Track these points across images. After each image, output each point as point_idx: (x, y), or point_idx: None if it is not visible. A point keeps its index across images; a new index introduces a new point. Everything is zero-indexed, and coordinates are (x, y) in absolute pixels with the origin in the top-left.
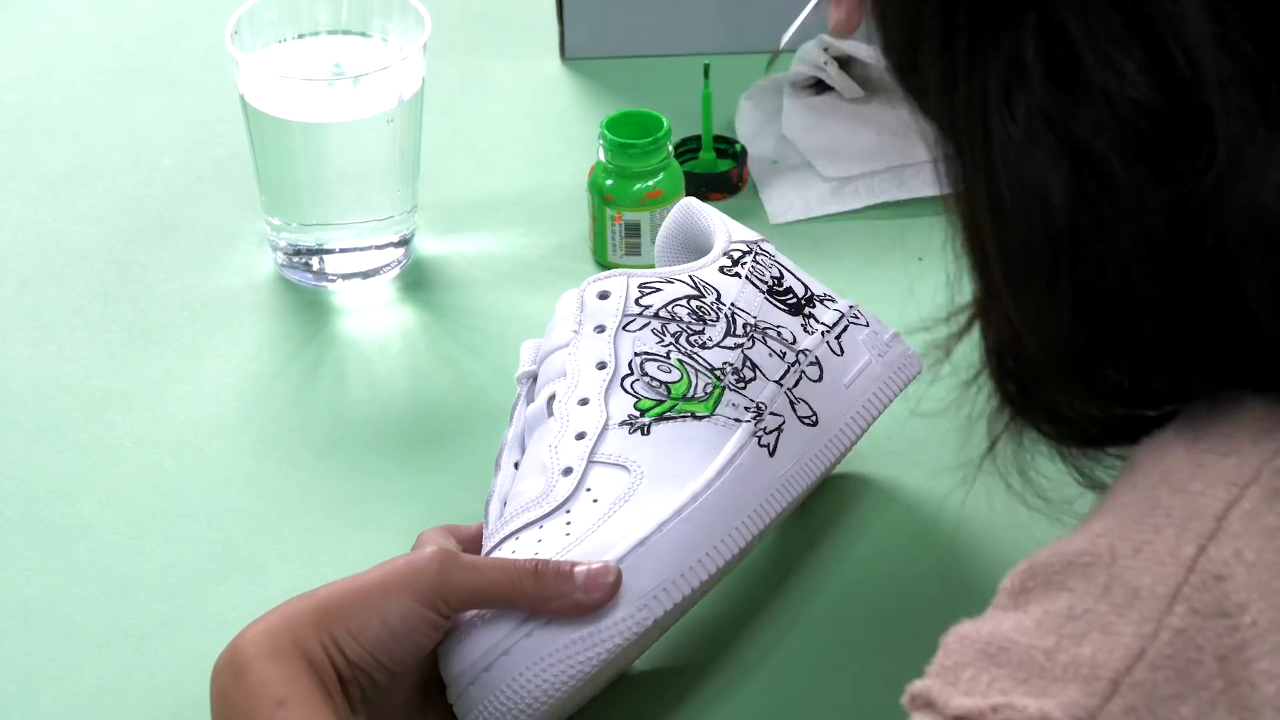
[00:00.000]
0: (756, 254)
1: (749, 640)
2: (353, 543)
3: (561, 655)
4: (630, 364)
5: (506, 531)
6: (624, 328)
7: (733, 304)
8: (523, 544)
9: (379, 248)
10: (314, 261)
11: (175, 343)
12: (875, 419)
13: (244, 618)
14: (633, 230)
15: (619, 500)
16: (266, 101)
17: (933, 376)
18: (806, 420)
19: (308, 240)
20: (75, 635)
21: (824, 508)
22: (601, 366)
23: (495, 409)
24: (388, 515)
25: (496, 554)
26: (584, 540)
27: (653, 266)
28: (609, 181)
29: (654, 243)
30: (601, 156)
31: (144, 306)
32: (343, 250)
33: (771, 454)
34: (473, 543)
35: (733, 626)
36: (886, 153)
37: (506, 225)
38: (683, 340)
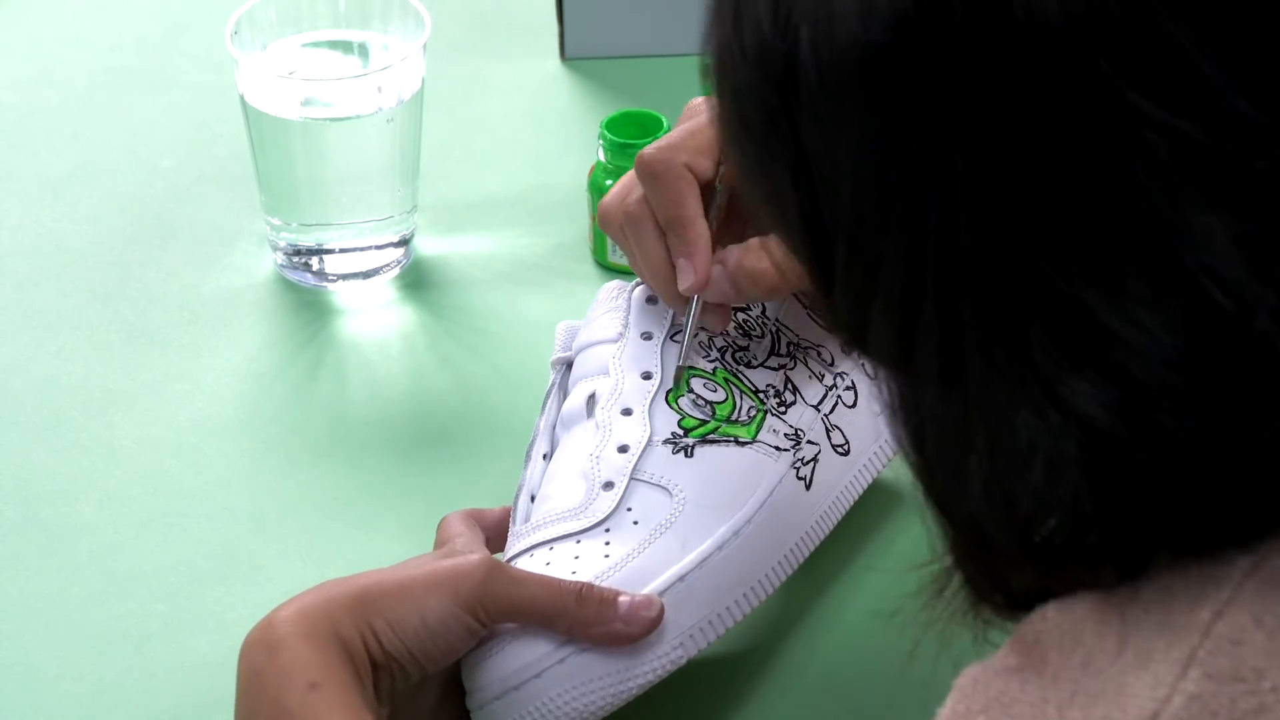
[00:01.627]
0: None
1: (745, 638)
2: (353, 543)
3: (594, 686)
4: (676, 378)
5: (540, 538)
6: (671, 338)
7: (777, 319)
8: (558, 556)
9: (379, 248)
10: (314, 261)
11: (175, 343)
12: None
13: (244, 618)
14: None
15: (660, 526)
16: (266, 101)
17: None
18: (839, 449)
19: (308, 240)
20: (75, 635)
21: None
22: (647, 377)
23: (495, 409)
24: (388, 515)
25: (527, 556)
26: (623, 567)
27: None
28: (609, 181)
29: None
30: (601, 156)
31: (144, 306)
32: (343, 250)
33: (808, 487)
34: (496, 528)
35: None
36: None
37: (506, 225)
38: (728, 356)
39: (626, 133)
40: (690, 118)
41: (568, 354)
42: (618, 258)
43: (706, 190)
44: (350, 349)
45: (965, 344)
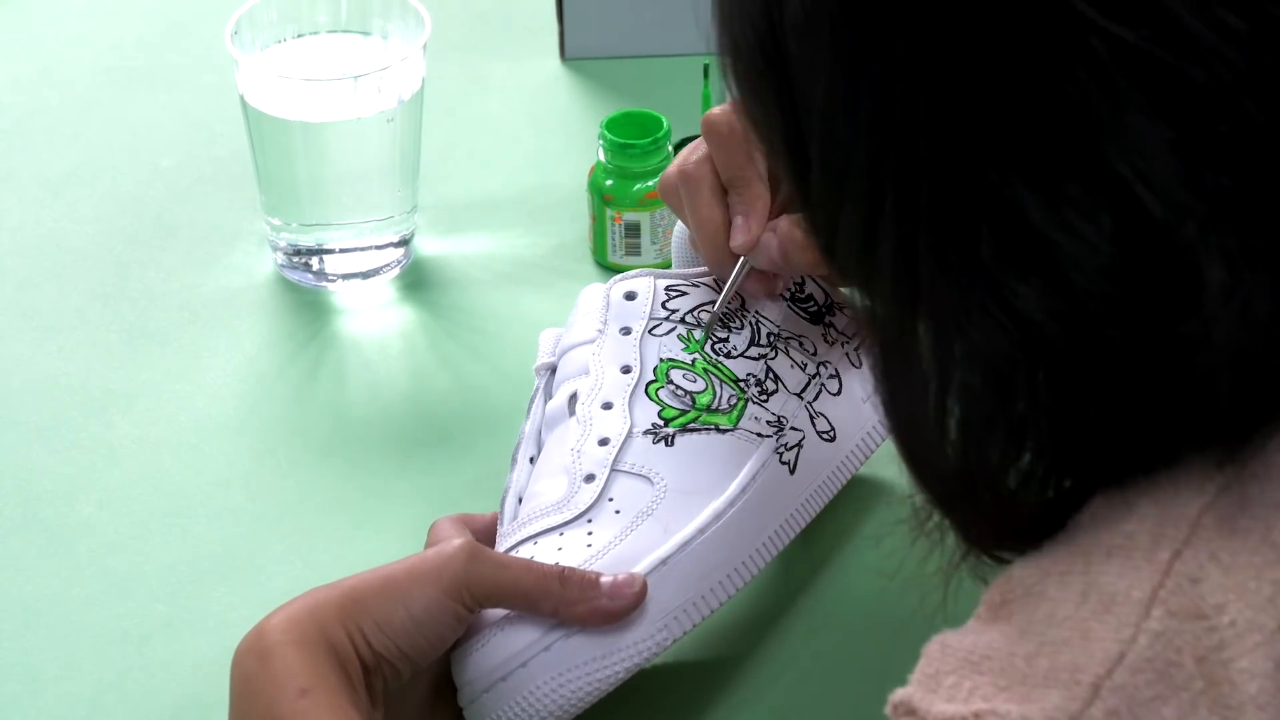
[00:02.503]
0: None
1: (745, 640)
2: (353, 543)
3: (580, 672)
4: (655, 370)
5: (525, 534)
6: (650, 331)
7: (757, 311)
8: (542, 550)
9: (379, 248)
10: (314, 261)
11: (175, 343)
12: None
13: (244, 618)
14: (632, 230)
15: (642, 514)
16: (266, 101)
17: None
18: (825, 436)
19: (308, 240)
20: (75, 635)
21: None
22: (626, 370)
23: (495, 409)
24: (388, 515)
25: (515, 555)
26: (606, 554)
27: (653, 266)
28: (609, 182)
29: (655, 243)
30: (601, 157)
31: (144, 306)
32: (343, 250)
33: (792, 471)
34: (486, 533)
35: (730, 626)
36: None
37: (506, 225)
38: (708, 348)
39: (626, 133)
40: None
41: (551, 359)
42: (618, 257)
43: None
44: (350, 349)
45: (920, 247)
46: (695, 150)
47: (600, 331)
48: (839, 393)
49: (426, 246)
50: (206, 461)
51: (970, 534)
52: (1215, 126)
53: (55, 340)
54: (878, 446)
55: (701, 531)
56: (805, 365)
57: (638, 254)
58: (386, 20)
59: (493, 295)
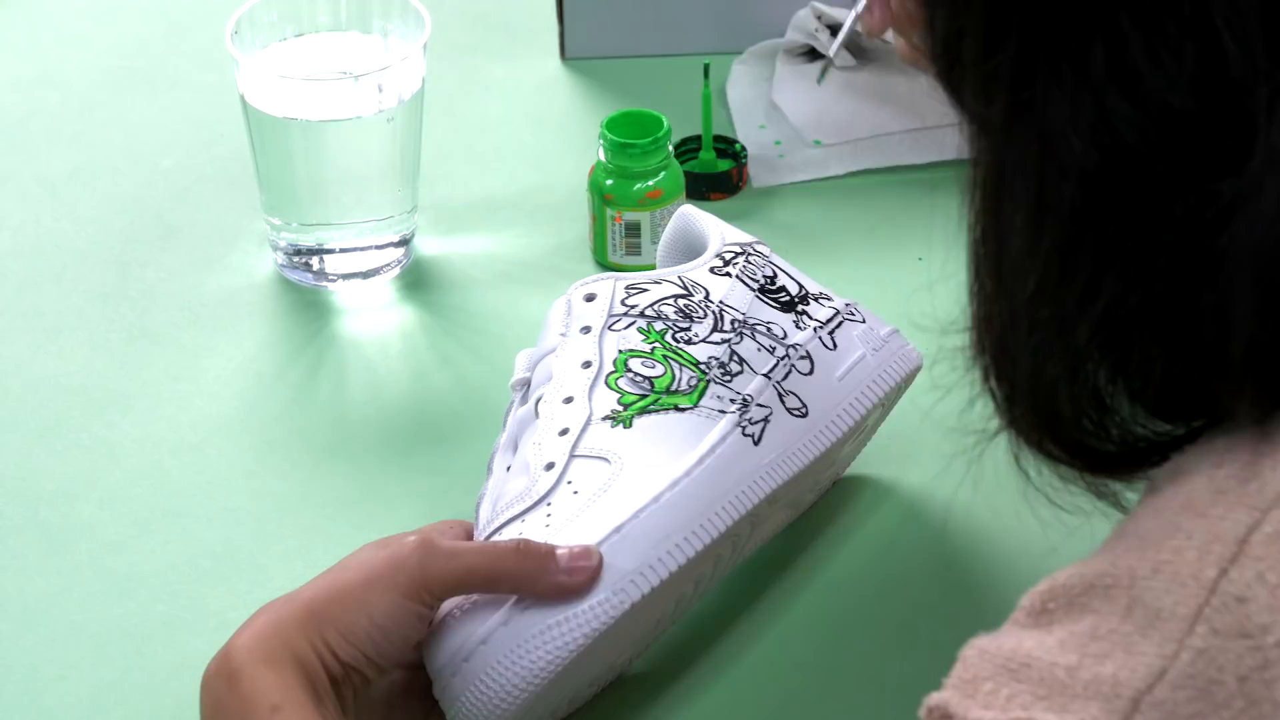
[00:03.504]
0: (749, 255)
1: (745, 640)
2: (353, 543)
3: (539, 641)
4: (615, 361)
5: (490, 529)
6: (609, 327)
7: (721, 301)
8: (505, 537)
9: (379, 248)
10: (314, 261)
11: (175, 343)
12: (870, 411)
13: (243, 618)
14: (633, 230)
15: (599, 491)
16: (266, 101)
17: (933, 381)
18: (796, 412)
19: (308, 240)
20: (75, 635)
21: (823, 507)
22: (586, 365)
23: (495, 409)
24: (388, 515)
25: None
26: (563, 529)
27: (652, 268)
28: (609, 181)
29: (654, 243)
30: (601, 156)
31: (144, 306)
32: (343, 250)
33: (756, 443)
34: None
35: (729, 626)
36: (873, 120)
37: (506, 225)
38: (668, 336)
39: (626, 133)
40: None
41: (525, 374)
42: (618, 257)
43: None
44: (350, 349)
45: (1039, 56)
46: None
47: (563, 335)
48: (811, 372)
49: (426, 246)
50: (206, 461)
51: (1022, 422)
52: None
53: (55, 340)
54: (857, 423)
55: (657, 499)
56: (774, 349)
57: (638, 254)
58: (386, 20)
59: (493, 295)
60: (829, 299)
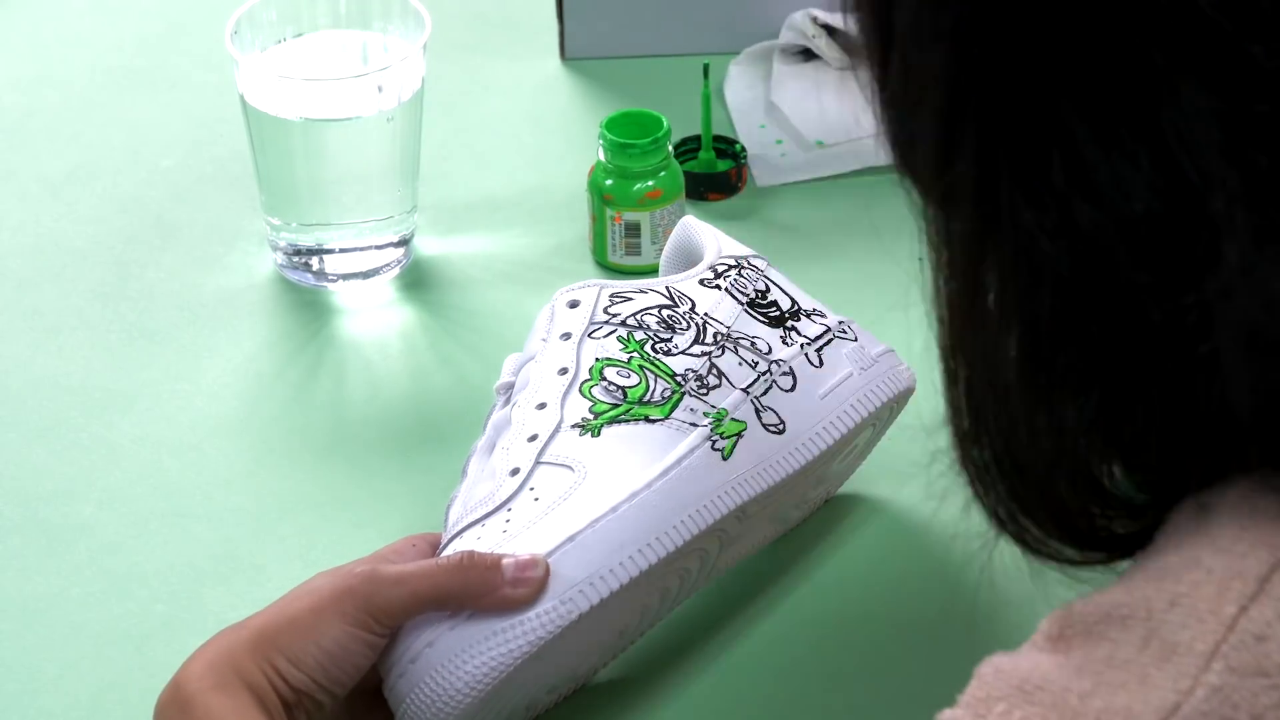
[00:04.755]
0: (743, 269)
1: (719, 648)
2: (353, 543)
3: (484, 646)
4: (590, 369)
5: (452, 533)
6: (589, 335)
7: (706, 314)
8: (464, 543)
9: (379, 248)
10: (314, 261)
11: (175, 343)
12: (854, 430)
13: (244, 617)
14: (632, 230)
15: (559, 499)
16: (266, 101)
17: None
18: (772, 428)
19: (308, 240)
20: (75, 635)
21: (813, 524)
22: (563, 372)
23: None
24: (388, 515)
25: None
26: (519, 535)
27: (655, 267)
28: (609, 181)
29: (655, 243)
30: (601, 156)
31: (144, 306)
32: (343, 250)
33: (726, 458)
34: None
35: (705, 635)
36: (872, 120)
37: (506, 225)
38: (647, 347)
39: (626, 133)
40: None
41: (510, 378)
42: (618, 257)
43: None
44: (350, 349)
45: (998, 166)
46: None
47: (544, 342)
48: (792, 388)
49: (426, 246)
50: (206, 461)
51: (1025, 526)
52: (1260, 105)
53: (55, 340)
54: (836, 440)
55: (614, 509)
56: (756, 364)
57: (638, 254)
58: (386, 20)
59: (493, 295)
60: (822, 315)
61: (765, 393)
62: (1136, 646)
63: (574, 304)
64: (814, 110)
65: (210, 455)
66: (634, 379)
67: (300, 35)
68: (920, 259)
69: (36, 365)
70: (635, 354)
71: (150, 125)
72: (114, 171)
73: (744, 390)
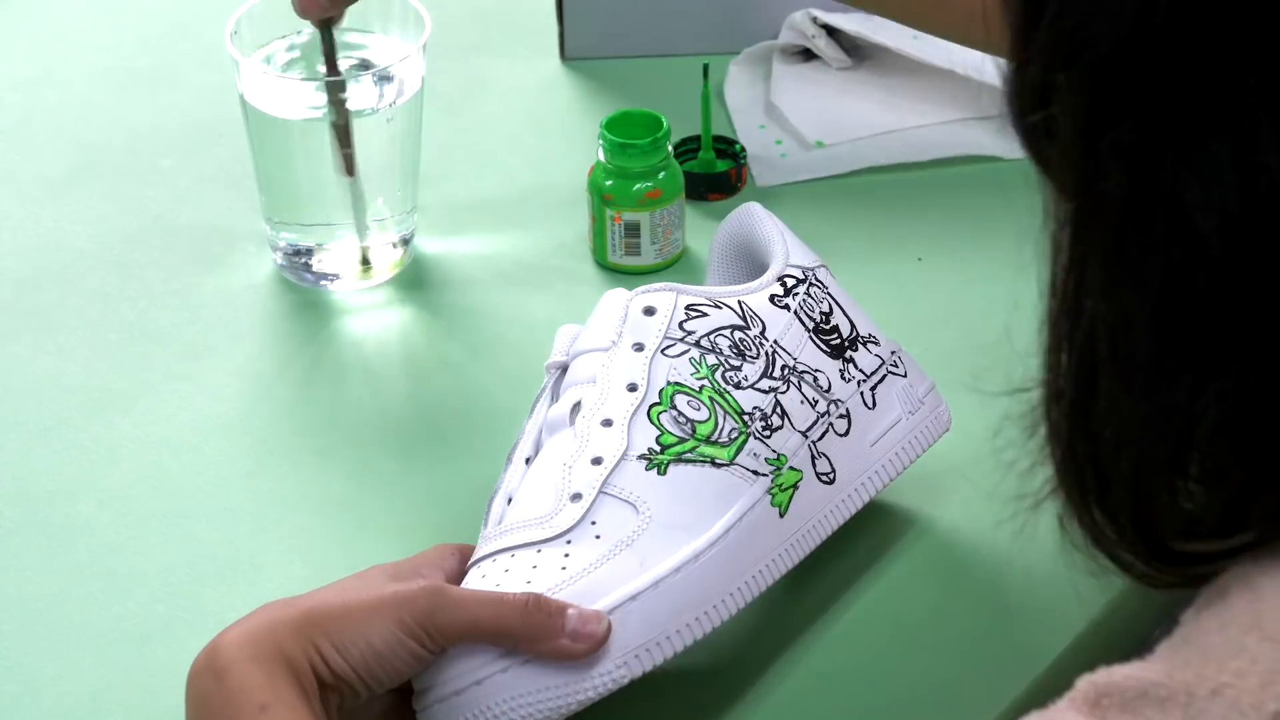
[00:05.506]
0: (811, 284)
1: (757, 660)
2: (353, 543)
3: (534, 699)
4: (661, 392)
5: (504, 544)
6: (663, 351)
7: (775, 341)
8: (518, 563)
9: (379, 248)
10: (314, 261)
11: (175, 343)
12: (893, 478)
13: (241, 616)
14: (632, 230)
15: (621, 543)
16: (266, 101)
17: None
18: (824, 478)
19: (308, 240)
20: (75, 635)
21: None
22: (632, 389)
23: (495, 409)
24: (388, 515)
25: (489, 561)
26: (578, 580)
27: (655, 267)
28: (609, 182)
29: (654, 243)
30: (601, 157)
31: (144, 306)
32: (343, 250)
33: (782, 515)
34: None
35: (743, 643)
36: (873, 120)
37: (506, 225)
38: (718, 375)
39: (626, 133)
40: None
41: (564, 359)
42: (617, 257)
43: None
44: (350, 349)
45: (1165, 139)
46: None
47: (614, 343)
48: (846, 433)
49: (426, 246)
50: (206, 461)
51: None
52: None
53: (55, 340)
54: (877, 490)
55: (677, 570)
56: (816, 402)
57: (637, 254)
58: (387, 20)
59: (493, 295)
60: (876, 343)
61: (822, 437)
62: None
63: (650, 310)
64: (814, 110)
65: (210, 455)
66: (704, 413)
67: (300, 35)
68: (920, 259)
69: (36, 365)
70: (706, 381)
71: (150, 125)
72: (114, 171)
73: (803, 434)
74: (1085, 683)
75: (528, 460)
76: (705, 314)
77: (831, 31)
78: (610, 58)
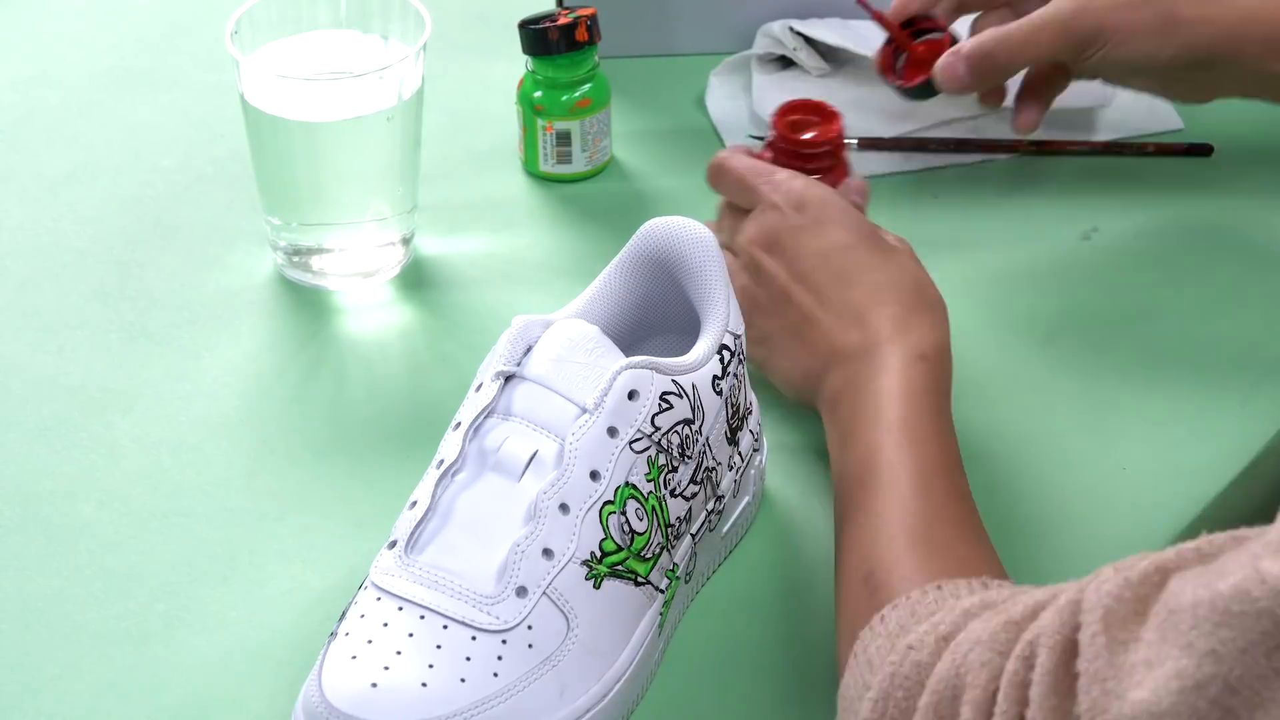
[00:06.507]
0: (739, 356)
1: (757, 659)
2: (353, 543)
3: None
4: (618, 491)
5: (435, 603)
6: (631, 444)
7: (707, 438)
8: (450, 642)
9: (379, 248)
10: (314, 261)
11: (175, 343)
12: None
13: (244, 618)
14: (564, 139)
15: (548, 661)
16: (266, 101)
17: None
18: (686, 577)
19: (308, 240)
20: (75, 635)
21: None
22: (594, 477)
23: None
24: (388, 515)
25: (416, 613)
26: (504, 700)
27: (584, 174)
28: (538, 93)
29: (584, 150)
30: (529, 68)
31: (144, 306)
32: (342, 250)
33: (660, 630)
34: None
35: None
36: (858, 129)
37: (506, 225)
38: (661, 479)
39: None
40: None
41: (512, 368)
42: (549, 166)
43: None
44: (350, 349)
45: None
46: None
47: (591, 412)
48: (713, 529)
49: (426, 246)
50: (206, 461)
51: None
52: None
53: (55, 340)
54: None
55: (588, 711)
56: (709, 502)
57: (569, 162)
58: (386, 20)
59: (493, 295)
60: (750, 412)
61: (701, 538)
62: None
63: (633, 395)
64: None
65: (210, 455)
66: (643, 524)
67: (300, 35)
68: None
69: (36, 365)
70: (653, 486)
71: (150, 125)
72: (114, 171)
73: (693, 536)
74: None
75: (441, 466)
76: (671, 405)
77: (809, 41)
78: (610, 58)
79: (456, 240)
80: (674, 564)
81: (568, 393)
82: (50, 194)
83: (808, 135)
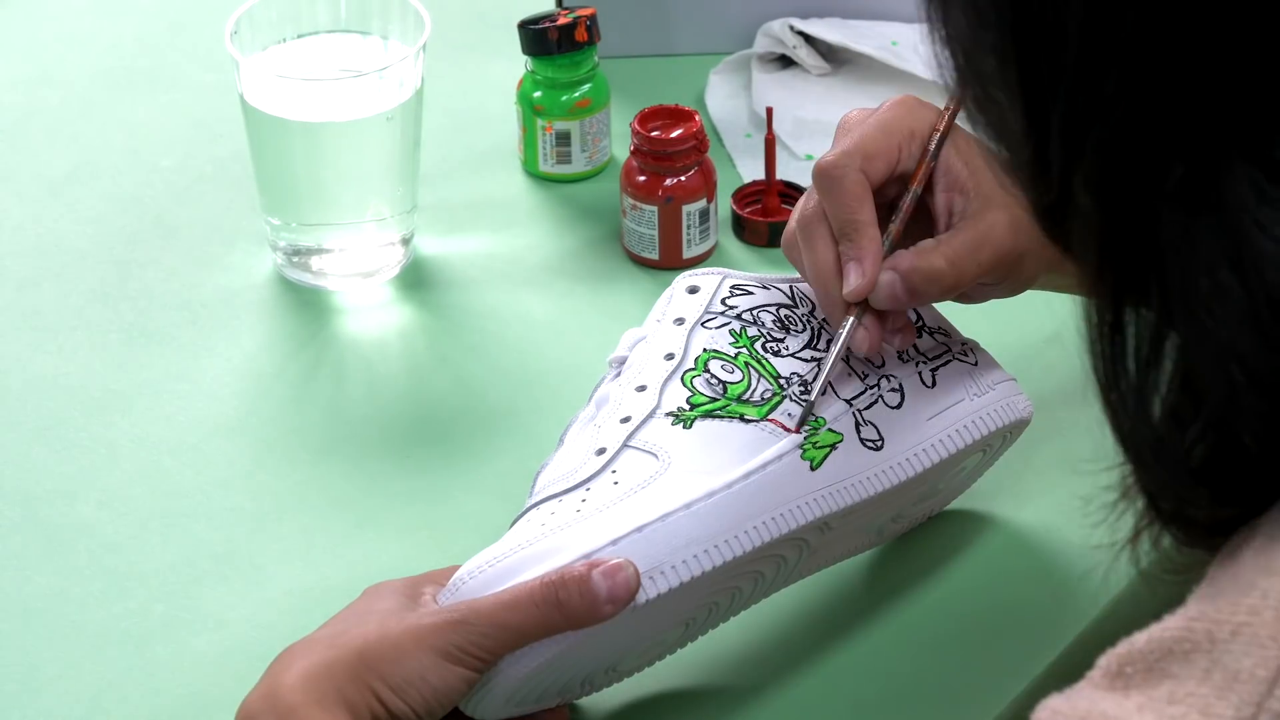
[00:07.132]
0: None
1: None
2: (353, 543)
3: (543, 660)
4: (697, 359)
5: (533, 501)
6: (703, 324)
7: (825, 320)
8: (539, 514)
9: (379, 248)
10: (314, 261)
11: (175, 343)
12: (954, 455)
13: (244, 618)
14: (563, 139)
15: (637, 486)
16: (266, 101)
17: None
18: (869, 444)
19: (308, 240)
20: (75, 635)
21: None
22: (669, 357)
23: (495, 409)
24: (388, 515)
25: (523, 521)
26: (590, 518)
27: (585, 175)
28: (538, 93)
29: (584, 150)
30: (529, 68)
31: (144, 306)
32: (342, 250)
33: (815, 468)
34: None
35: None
36: None
37: (506, 225)
38: (758, 345)
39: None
40: (846, 132)
41: (625, 353)
42: (549, 166)
43: (879, 196)
44: (350, 349)
45: (1219, 159)
46: (809, 199)
47: (658, 323)
48: (899, 405)
49: (426, 246)
50: (206, 461)
51: (1156, 494)
52: None
53: (55, 340)
54: (935, 463)
55: (688, 506)
56: (866, 375)
57: (568, 162)
58: (386, 20)
59: (493, 295)
60: (945, 335)
61: (869, 406)
62: (1198, 679)
63: (693, 289)
64: (798, 120)
65: (210, 455)
66: (737, 375)
67: (300, 35)
68: None
69: (36, 365)
70: (744, 349)
71: (150, 125)
72: (114, 171)
73: (847, 401)
74: (1105, 658)
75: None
76: (750, 292)
77: (809, 39)
78: (610, 58)
79: (456, 240)
80: (816, 416)
81: (644, 331)
82: (50, 194)
83: (673, 135)
